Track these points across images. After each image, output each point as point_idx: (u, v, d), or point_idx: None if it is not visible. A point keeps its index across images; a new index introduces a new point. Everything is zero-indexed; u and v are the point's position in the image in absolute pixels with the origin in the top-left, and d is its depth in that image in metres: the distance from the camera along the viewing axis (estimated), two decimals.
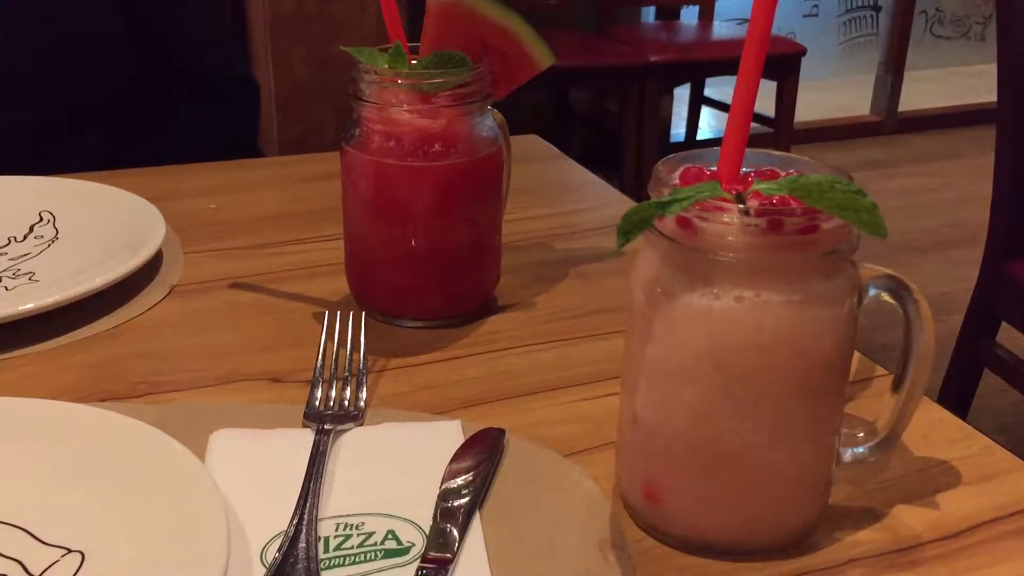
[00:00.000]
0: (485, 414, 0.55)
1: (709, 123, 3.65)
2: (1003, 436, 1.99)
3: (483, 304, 0.66)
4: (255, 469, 0.50)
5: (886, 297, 0.43)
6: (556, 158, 0.97)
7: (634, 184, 2.94)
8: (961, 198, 3.29)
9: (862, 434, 0.46)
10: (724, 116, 3.63)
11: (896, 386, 0.45)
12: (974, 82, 4.06)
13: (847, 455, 0.46)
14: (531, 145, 1.00)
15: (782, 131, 3.06)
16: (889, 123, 3.89)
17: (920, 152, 3.74)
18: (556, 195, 0.88)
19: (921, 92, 3.97)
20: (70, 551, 0.44)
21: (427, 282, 0.63)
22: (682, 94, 3.46)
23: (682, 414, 0.42)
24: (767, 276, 0.40)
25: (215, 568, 0.40)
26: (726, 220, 0.39)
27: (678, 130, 3.63)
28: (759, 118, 3.21)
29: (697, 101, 3.44)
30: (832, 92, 3.97)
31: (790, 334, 0.40)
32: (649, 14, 3.54)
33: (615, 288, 0.70)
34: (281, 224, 0.80)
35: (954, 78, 4.14)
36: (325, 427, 0.52)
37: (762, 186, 0.39)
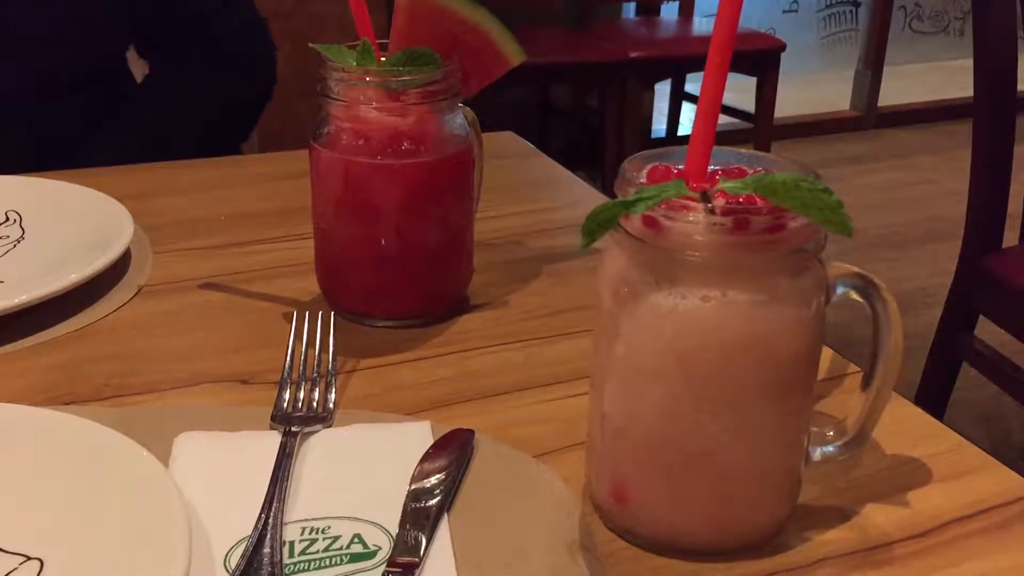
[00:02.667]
0: (455, 415, 0.55)
1: (690, 119, 3.64)
2: (981, 429, 2.00)
3: (455, 303, 0.66)
4: (220, 473, 0.49)
5: (854, 295, 0.43)
6: (532, 155, 0.97)
7: (615, 180, 2.93)
8: (940, 193, 3.31)
9: (831, 432, 0.46)
10: None
11: (865, 384, 0.44)
12: (953, 77, 4.08)
13: (816, 454, 0.46)
14: (507, 142, 1.00)
15: (762, 127, 3.07)
16: (868, 118, 3.90)
17: (899, 147, 3.76)
18: (531, 192, 0.88)
19: (900, 87, 3.99)
20: (29, 558, 0.44)
21: (397, 282, 0.63)
22: (663, 90, 3.46)
23: (649, 414, 0.42)
24: (733, 275, 0.39)
25: (176, 574, 0.40)
26: (691, 219, 0.39)
27: (659, 126, 3.63)
28: (739, 113, 3.22)
29: (678, 97, 3.45)
30: (812, 88, 3.98)
31: (757, 334, 0.40)
32: (630, 10, 3.54)
33: (588, 286, 0.69)
34: (253, 223, 0.79)
35: (933, 73, 4.16)
36: (292, 429, 0.51)
37: (728, 184, 0.39)
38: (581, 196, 0.87)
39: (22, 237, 0.72)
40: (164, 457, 0.49)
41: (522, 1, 2.93)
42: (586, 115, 3.37)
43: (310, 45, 0.61)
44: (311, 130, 0.62)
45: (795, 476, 0.45)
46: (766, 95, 3.04)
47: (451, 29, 0.62)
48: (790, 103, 3.56)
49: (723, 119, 2.99)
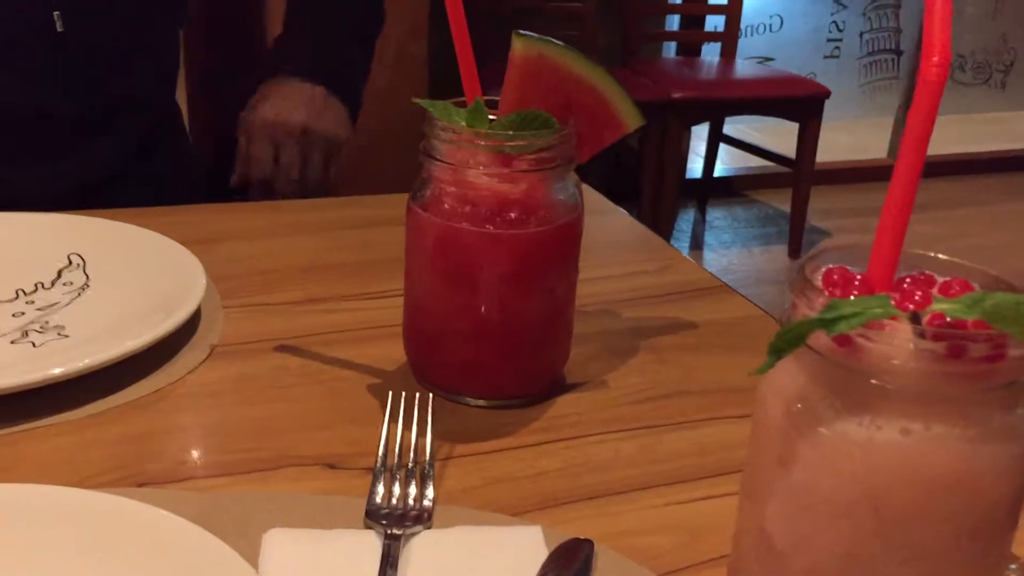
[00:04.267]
0: (566, 517, 0.50)
1: (723, 160, 3.61)
2: None
3: (552, 382, 0.61)
4: None
5: None
6: (610, 212, 0.92)
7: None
8: (978, 246, 3.25)
9: (1014, 573, 0.40)
10: (741, 155, 3.57)
11: None
12: (992, 129, 4.04)
13: None
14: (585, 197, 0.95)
15: (802, 173, 3.02)
16: None
17: (936, 199, 3.70)
18: (616, 254, 0.83)
19: (939, 138, 3.92)
20: None
21: (496, 358, 0.58)
22: (697, 131, 3.42)
23: (824, 549, 0.37)
24: (940, 407, 0.34)
25: None
26: (896, 342, 0.34)
27: (695, 166, 3.59)
28: (778, 158, 3.18)
29: (715, 139, 3.41)
30: (851, 134, 3.93)
31: (964, 474, 0.34)
32: (670, 49, 3.51)
33: (694, 368, 0.64)
34: (329, 276, 0.74)
35: (972, 124, 4.11)
36: (393, 531, 0.46)
37: (945, 307, 0.34)
38: (668, 260, 0.82)
39: (87, 284, 0.68)
40: (252, 555, 0.44)
41: (563, 38, 2.90)
42: (623, 152, 3.33)
43: (414, 100, 0.57)
44: (411, 190, 0.58)
45: None
46: (807, 141, 3.00)
47: (567, 89, 0.57)
48: (828, 149, 3.51)
49: (762, 163, 2.95)
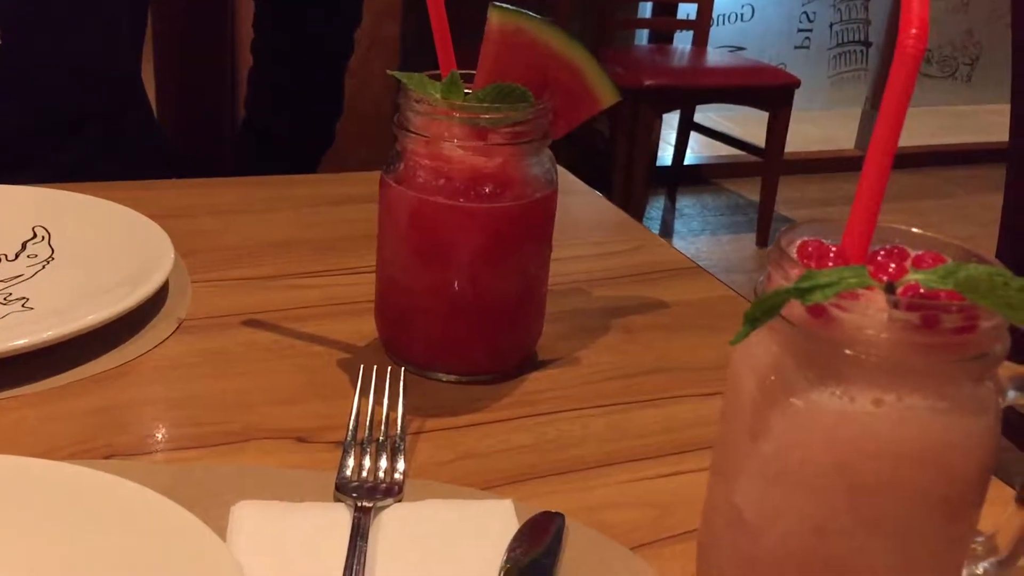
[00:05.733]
0: (537, 491, 0.49)
1: (693, 150, 3.62)
2: None
3: (524, 359, 0.61)
4: (285, 550, 0.44)
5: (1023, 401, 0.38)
6: (583, 193, 0.92)
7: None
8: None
9: (980, 548, 0.41)
10: (711, 144, 3.59)
11: (1022, 499, 0.40)
12: (957, 122, 4.08)
13: (964, 572, 0.41)
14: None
15: (771, 162, 3.04)
16: None
17: (901, 191, 3.74)
18: (589, 234, 0.83)
19: (905, 130, 3.97)
20: None
21: (468, 334, 0.58)
22: (668, 119, 3.43)
23: (795, 522, 0.37)
24: (912, 378, 0.35)
25: None
26: (870, 312, 0.34)
27: (665, 154, 3.60)
28: (747, 147, 3.20)
29: (686, 127, 3.42)
30: (818, 125, 3.96)
31: (935, 445, 0.35)
32: (643, 36, 3.51)
33: (665, 347, 0.65)
34: (300, 252, 0.73)
35: (938, 117, 4.15)
36: (363, 504, 0.46)
37: (920, 276, 0.34)
38: (641, 240, 0.82)
39: (51, 257, 0.67)
40: (221, 528, 0.44)
41: None
42: (595, 139, 3.34)
43: (389, 72, 0.56)
44: (384, 163, 0.57)
45: None
46: (777, 131, 3.01)
47: (543, 63, 0.57)
48: (797, 139, 3.54)
49: (732, 152, 2.96)
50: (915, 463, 0.35)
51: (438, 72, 0.57)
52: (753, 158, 3.17)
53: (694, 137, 3.46)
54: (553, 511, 0.47)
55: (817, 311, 0.35)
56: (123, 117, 1.01)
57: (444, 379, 0.58)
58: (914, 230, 0.40)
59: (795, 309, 0.36)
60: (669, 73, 3.00)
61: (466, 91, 0.56)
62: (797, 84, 2.98)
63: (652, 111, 2.93)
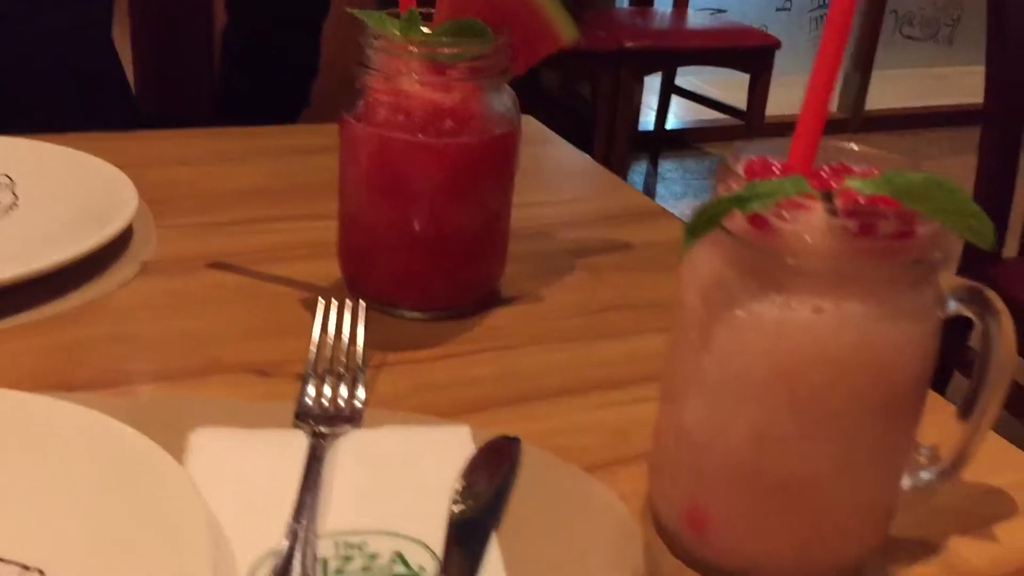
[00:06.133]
0: (496, 419, 0.50)
1: (675, 114, 3.62)
2: None
3: (487, 295, 0.61)
4: (242, 475, 0.44)
5: (966, 311, 0.39)
6: (553, 142, 0.92)
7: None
8: None
9: (924, 459, 0.42)
10: (693, 108, 3.58)
11: (965, 411, 0.40)
12: (940, 84, 4.09)
13: (907, 482, 0.42)
14: (528, 127, 0.94)
15: (753, 124, 3.04)
16: (855, 121, 3.89)
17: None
18: (556, 181, 0.83)
19: (888, 92, 3.99)
20: (27, 568, 0.39)
21: (430, 270, 0.58)
22: (650, 83, 3.42)
23: (740, 434, 0.38)
24: (850, 285, 0.35)
25: None
26: (809, 220, 0.35)
27: (647, 118, 3.59)
28: (729, 110, 3.19)
29: (668, 91, 3.41)
30: (801, 88, 3.94)
31: (874, 351, 0.35)
32: None
33: (628, 284, 0.65)
34: (267, 199, 0.73)
35: (920, 79, 4.15)
36: (321, 430, 0.46)
37: (856, 183, 0.34)
38: (609, 187, 0.82)
39: (15, 204, 0.67)
40: (179, 455, 0.44)
41: None
42: (576, 103, 3.33)
43: (348, 11, 0.56)
44: (345, 102, 0.57)
45: (890, 506, 0.41)
46: (758, 93, 3.01)
47: (502, 1, 0.57)
48: (780, 102, 3.53)
49: (714, 116, 2.95)
50: (854, 368, 0.35)
51: (397, 10, 0.57)
52: (735, 121, 3.17)
53: (676, 101, 3.46)
54: (510, 436, 0.47)
55: (758, 222, 0.36)
56: (95, 79, 1.00)
57: (407, 316, 0.59)
58: (855, 147, 0.40)
59: (737, 221, 0.36)
60: (650, 35, 2.99)
61: (426, 31, 0.56)
62: (778, 45, 2.98)
63: (633, 74, 2.92)
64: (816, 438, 0.37)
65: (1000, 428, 0.48)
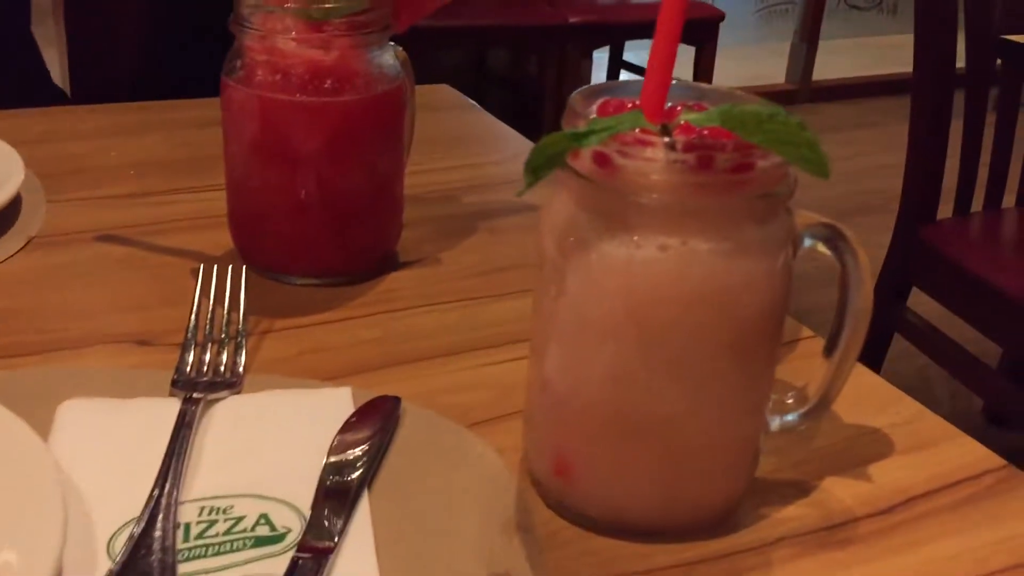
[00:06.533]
0: (380, 380, 0.49)
1: None
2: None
3: (382, 260, 0.60)
4: (109, 446, 0.43)
5: (821, 248, 0.39)
6: (468, 108, 0.91)
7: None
8: (873, 166, 3.34)
9: (791, 400, 0.42)
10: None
11: (829, 348, 0.40)
12: (886, 53, 4.12)
13: (775, 423, 0.42)
14: (442, 95, 0.94)
15: None
16: (803, 92, 3.91)
17: (833, 121, 3.78)
18: (467, 146, 0.82)
19: (835, 62, 4.01)
20: None
21: (319, 234, 0.57)
22: (600, 59, 3.42)
23: (596, 378, 0.38)
24: (694, 221, 0.35)
25: (46, 563, 0.34)
26: (649, 156, 0.34)
27: None
28: None
29: (616, 65, 3.40)
30: (747, 60, 3.97)
31: (720, 287, 0.35)
32: None
33: (527, 243, 0.65)
34: (163, 172, 0.72)
35: (866, 48, 4.18)
36: (194, 395, 0.45)
37: (691, 116, 0.34)
38: (520, 150, 0.82)
39: None
40: (45, 428, 0.43)
41: None
42: (524, 80, 3.31)
43: None
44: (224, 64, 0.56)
45: (754, 447, 0.41)
46: (704, 65, 3.01)
47: None
48: (726, 74, 3.55)
49: None
50: (700, 305, 0.35)
51: None
52: None
53: (624, 76, 3.45)
54: (390, 395, 0.47)
55: (602, 160, 0.35)
56: (14, 72, 0.99)
57: (299, 283, 0.58)
58: (718, 88, 0.40)
59: (584, 162, 0.36)
60: (595, 10, 2.98)
61: None
62: (722, 17, 2.98)
63: (580, 49, 2.91)
64: (668, 378, 0.36)
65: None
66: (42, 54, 1.14)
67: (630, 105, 0.38)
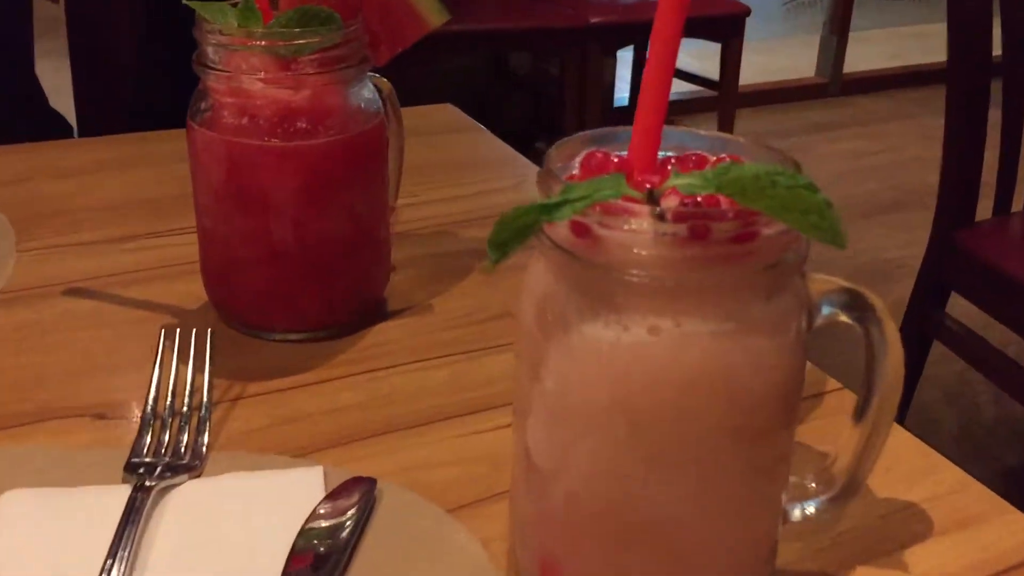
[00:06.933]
0: (358, 454, 0.45)
1: None
2: (951, 407, 1.95)
3: (368, 310, 0.56)
4: (52, 542, 0.39)
5: (843, 317, 0.33)
6: (470, 130, 0.87)
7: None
8: (906, 160, 3.25)
9: (814, 484, 0.37)
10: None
11: (859, 414, 0.35)
12: (919, 43, 4.01)
13: (795, 513, 0.36)
14: (444, 116, 0.89)
15: (726, 94, 2.97)
16: (834, 85, 3.82)
17: (865, 114, 3.69)
18: (468, 173, 0.77)
19: (866, 53, 3.91)
20: None
21: (296, 286, 0.53)
22: (624, 57, 3.36)
23: (583, 470, 0.33)
24: (690, 299, 0.30)
25: None
26: (634, 227, 0.29)
27: (622, 94, 3.53)
28: (702, 81, 3.13)
29: (641, 64, 3.34)
30: (776, 54, 3.89)
31: (720, 372, 0.30)
32: None
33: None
34: (145, 212, 0.68)
35: (898, 39, 4.08)
36: (148, 483, 0.41)
37: (681, 181, 0.29)
38: (524, 176, 0.77)
39: None
40: None
41: None
42: (546, 83, 3.26)
43: (185, 1, 0.51)
44: (189, 106, 0.52)
45: (769, 544, 0.35)
46: (730, 62, 2.94)
47: None
48: (754, 69, 3.47)
49: (686, 87, 2.86)
50: (699, 393, 0.30)
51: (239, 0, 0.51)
52: (710, 92, 3.10)
53: None
54: (365, 476, 0.42)
55: (580, 230, 0.30)
56: (17, 105, 0.98)
57: (279, 339, 0.54)
58: (719, 135, 0.35)
59: (560, 230, 0.31)
60: (616, 9, 2.92)
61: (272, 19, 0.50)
62: (747, 12, 2.91)
63: (601, 50, 2.85)
64: (665, 474, 0.31)
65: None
66: (45, 94, 1.14)
67: (616, 160, 0.33)
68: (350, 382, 0.50)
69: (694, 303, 0.30)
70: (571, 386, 0.32)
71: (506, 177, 0.77)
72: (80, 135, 1.23)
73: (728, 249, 0.29)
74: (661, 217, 0.29)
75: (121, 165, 0.76)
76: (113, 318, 0.55)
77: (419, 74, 2.18)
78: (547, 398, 0.33)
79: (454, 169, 0.78)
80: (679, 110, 3.60)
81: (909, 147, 3.36)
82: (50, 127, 1.17)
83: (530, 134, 3.11)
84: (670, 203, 0.30)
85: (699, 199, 0.30)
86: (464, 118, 0.88)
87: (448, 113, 0.89)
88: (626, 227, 0.29)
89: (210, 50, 0.49)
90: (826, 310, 0.33)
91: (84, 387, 0.49)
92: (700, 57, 3.34)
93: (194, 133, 0.51)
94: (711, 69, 3.04)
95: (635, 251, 0.29)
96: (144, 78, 1.16)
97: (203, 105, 0.51)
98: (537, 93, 3.27)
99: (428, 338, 0.54)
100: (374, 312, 0.56)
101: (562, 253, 0.31)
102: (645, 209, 0.29)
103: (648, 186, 0.29)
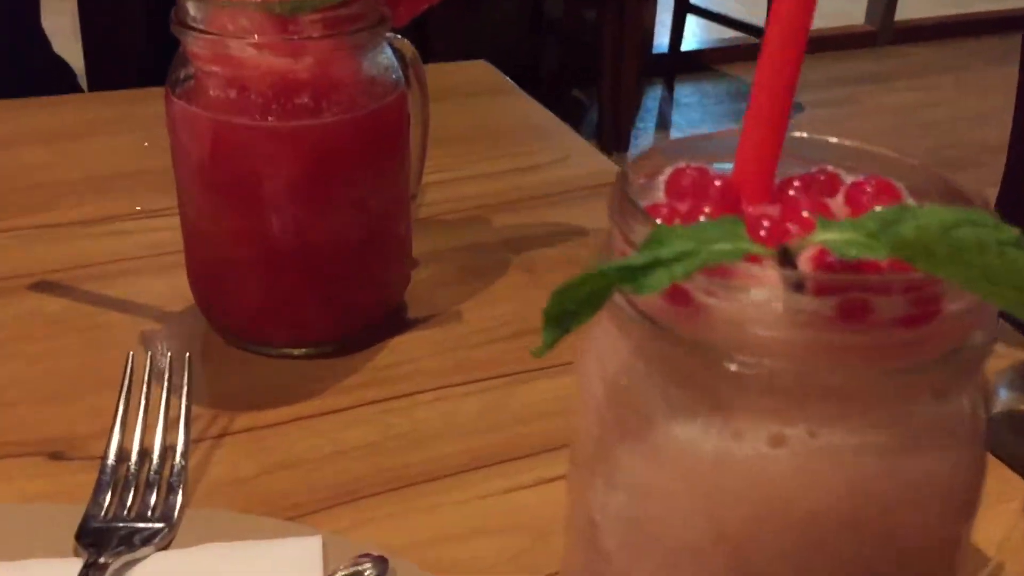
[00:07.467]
0: (366, 515, 0.37)
1: (694, 32, 3.40)
2: None
3: (384, 320, 0.47)
4: None
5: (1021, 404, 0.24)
6: (509, 92, 0.77)
7: (611, 100, 2.71)
8: (959, 115, 3.10)
9: None
10: (710, 25, 3.40)
11: None
12: None
13: None
14: (477, 75, 0.79)
15: None
16: (884, 33, 3.65)
17: (916, 65, 3.52)
18: (503, 144, 0.68)
19: (917, 0, 3.73)
20: None
21: (300, 292, 0.44)
22: (665, 3, 3.20)
23: None
24: (831, 401, 0.21)
25: None
26: (759, 300, 0.20)
27: (661, 40, 3.38)
28: (748, 28, 2.98)
29: (682, 9, 3.19)
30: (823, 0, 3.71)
31: (872, 502, 0.21)
32: None
33: None
34: (130, 186, 0.59)
35: None
36: (100, 560, 0.33)
37: (830, 236, 0.20)
38: (568, 149, 0.67)
39: None
40: None
41: None
42: (582, 30, 3.12)
43: None
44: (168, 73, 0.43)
45: None
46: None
47: None
48: None
49: (730, 33, 2.73)
50: (839, 531, 0.21)
51: None
52: (754, 39, 2.95)
53: (691, 20, 3.23)
54: (375, 554, 0.34)
55: (678, 297, 0.21)
56: (23, 61, 0.95)
57: (277, 353, 0.45)
58: (834, 140, 0.26)
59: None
60: None
61: None
62: None
63: None
64: None
65: None
66: (49, 41, 1.08)
67: (719, 185, 0.23)
68: (359, 415, 0.42)
69: (836, 407, 0.21)
70: (660, 502, 0.23)
71: (547, 150, 0.67)
72: (88, 84, 1.15)
73: (891, 335, 0.20)
74: (799, 287, 0.20)
75: (113, 128, 0.67)
76: (82, 321, 0.47)
77: (445, 28, 2.06)
78: (624, 508, 0.24)
79: (488, 139, 0.68)
80: (725, 57, 3.45)
81: (961, 100, 3.20)
82: (52, 75, 1.10)
83: (565, 85, 2.99)
84: (807, 259, 0.21)
85: (840, 262, 0.20)
86: (500, 78, 0.78)
87: (482, 71, 0.79)
88: (745, 301, 0.20)
89: (190, 6, 0.40)
90: (1004, 394, 0.24)
91: (42, 414, 0.41)
92: (744, 1, 3.19)
93: (173, 106, 0.42)
94: (756, 13, 2.89)
95: (757, 332, 0.20)
96: (154, 26, 1.09)
97: (183, 73, 0.42)
98: (573, 40, 3.13)
99: (457, 356, 0.45)
100: (390, 322, 0.47)
101: (649, 325, 0.22)
102: (774, 275, 0.20)
103: (782, 241, 0.20)
